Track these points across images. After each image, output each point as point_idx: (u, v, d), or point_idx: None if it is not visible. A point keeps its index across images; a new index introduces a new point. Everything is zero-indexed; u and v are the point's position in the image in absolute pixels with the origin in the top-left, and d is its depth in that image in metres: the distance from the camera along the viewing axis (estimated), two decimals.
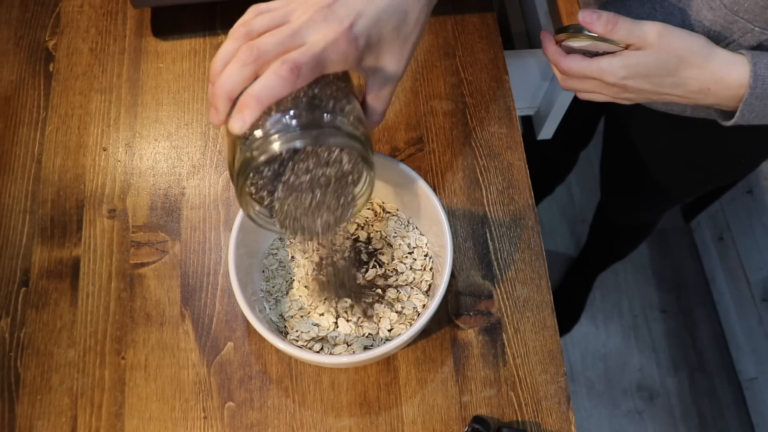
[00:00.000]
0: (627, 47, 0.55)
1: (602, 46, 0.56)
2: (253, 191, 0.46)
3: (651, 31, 0.54)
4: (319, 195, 0.46)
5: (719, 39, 0.60)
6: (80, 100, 0.71)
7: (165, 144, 0.69)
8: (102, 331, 0.62)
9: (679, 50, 0.54)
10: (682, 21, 0.61)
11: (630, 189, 1.02)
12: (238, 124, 0.39)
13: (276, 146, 0.40)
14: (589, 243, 1.41)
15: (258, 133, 0.41)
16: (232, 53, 0.41)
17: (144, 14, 0.75)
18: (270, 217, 0.48)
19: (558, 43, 0.59)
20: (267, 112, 0.41)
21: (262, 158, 0.41)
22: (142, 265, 0.64)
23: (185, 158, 0.69)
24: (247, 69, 0.40)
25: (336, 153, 0.44)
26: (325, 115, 0.42)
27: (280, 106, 0.41)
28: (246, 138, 0.42)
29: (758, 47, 0.60)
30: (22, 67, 0.72)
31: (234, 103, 0.41)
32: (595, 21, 0.54)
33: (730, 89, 0.55)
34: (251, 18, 0.42)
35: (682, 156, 0.82)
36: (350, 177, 0.47)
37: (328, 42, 0.40)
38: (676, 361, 1.48)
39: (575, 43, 0.57)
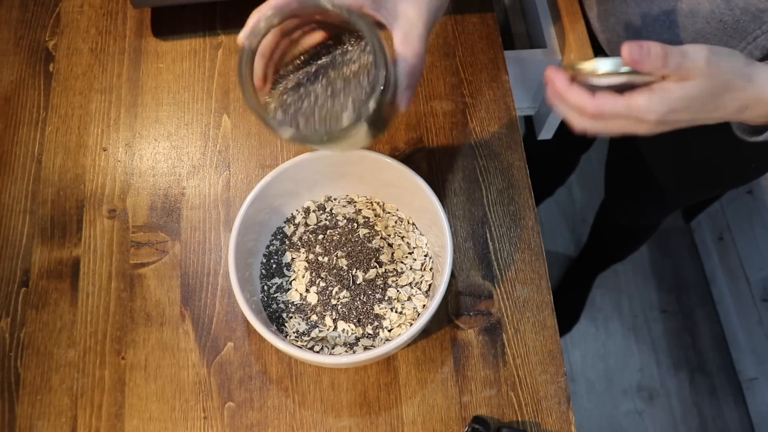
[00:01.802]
0: (663, 77, 0.48)
1: (638, 80, 0.49)
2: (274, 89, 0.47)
3: (699, 58, 0.47)
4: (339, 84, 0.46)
5: (747, 32, 0.57)
6: (80, 100, 0.71)
7: (165, 144, 0.69)
8: (102, 331, 0.62)
9: (726, 74, 0.49)
10: (711, 10, 0.58)
11: (635, 189, 1.01)
12: (245, 31, 0.43)
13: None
14: (590, 243, 1.41)
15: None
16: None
17: (144, 14, 0.75)
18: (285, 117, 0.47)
19: (572, 79, 0.50)
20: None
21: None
22: (142, 265, 0.64)
23: (185, 158, 0.69)
24: None
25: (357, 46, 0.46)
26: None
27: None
28: None
29: None
30: (22, 67, 0.72)
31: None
32: (645, 58, 0.46)
33: (759, 106, 0.51)
34: None
35: (690, 157, 0.81)
36: (367, 72, 0.45)
37: None
38: (676, 361, 1.47)
39: (603, 80, 0.49)
